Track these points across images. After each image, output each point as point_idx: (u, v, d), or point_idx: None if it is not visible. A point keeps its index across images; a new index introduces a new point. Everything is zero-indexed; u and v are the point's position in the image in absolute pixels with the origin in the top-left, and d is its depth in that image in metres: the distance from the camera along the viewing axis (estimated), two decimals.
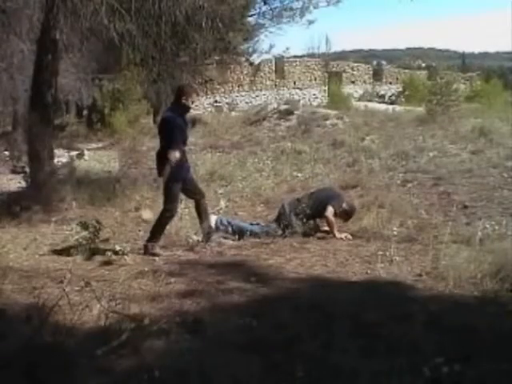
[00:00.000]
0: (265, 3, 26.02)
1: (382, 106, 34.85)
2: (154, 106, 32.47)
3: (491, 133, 19.78)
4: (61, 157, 15.40)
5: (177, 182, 9.25)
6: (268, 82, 45.26)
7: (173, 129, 9.18)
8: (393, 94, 47.12)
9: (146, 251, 9.01)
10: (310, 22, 30.55)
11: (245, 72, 43.73)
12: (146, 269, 7.83)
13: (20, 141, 17.85)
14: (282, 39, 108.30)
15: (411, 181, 13.94)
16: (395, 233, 9.10)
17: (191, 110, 9.72)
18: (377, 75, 50.84)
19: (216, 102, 42.22)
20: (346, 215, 10.39)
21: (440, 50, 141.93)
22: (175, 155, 8.94)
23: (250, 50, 35.10)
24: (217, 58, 29.81)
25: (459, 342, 5.01)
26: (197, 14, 12.34)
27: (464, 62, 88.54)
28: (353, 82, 48.71)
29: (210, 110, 41.01)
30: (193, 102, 9.53)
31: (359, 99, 43.10)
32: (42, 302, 5.44)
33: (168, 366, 4.62)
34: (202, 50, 15.85)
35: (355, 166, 16.15)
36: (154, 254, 8.87)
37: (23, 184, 12.69)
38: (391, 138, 20.48)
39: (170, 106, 9.92)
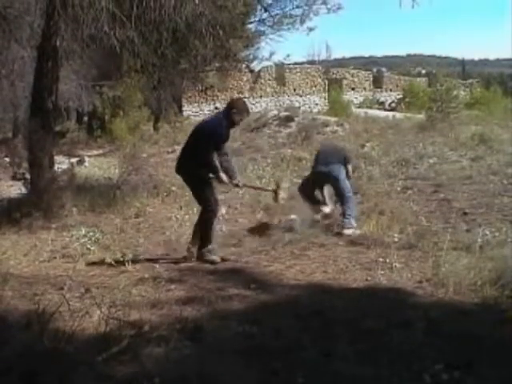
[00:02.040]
0: (265, 10, 26.07)
1: (382, 113, 34.89)
2: (155, 112, 32.51)
3: (491, 140, 19.81)
4: (61, 163, 15.38)
5: (208, 183, 9.08)
6: (268, 89, 45.28)
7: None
8: (393, 101, 47.21)
9: (201, 258, 8.87)
10: (311, 29, 30.61)
11: (245, 79, 43.77)
12: (146, 275, 7.84)
13: (20, 147, 17.84)
14: (283, 46, 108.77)
15: (411, 188, 13.94)
16: (395, 240, 9.12)
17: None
18: (377, 82, 50.85)
19: (216, 108, 42.22)
20: None
21: (440, 57, 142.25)
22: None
23: (251, 56, 35.21)
24: (217, 64, 29.87)
25: (459, 348, 5.00)
26: (197, 21, 12.36)
27: (464, 69, 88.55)
28: (353, 89, 48.72)
29: None
30: (241, 120, 9.50)
31: (359, 106, 43.14)
32: (43, 308, 5.43)
33: (168, 372, 4.62)
34: (202, 57, 15.94)
35: (355, 173, 16.14)
36: (212, 262, 8.77)
37: (23, 190, 12.70)
38: (391, 145, 20.50)
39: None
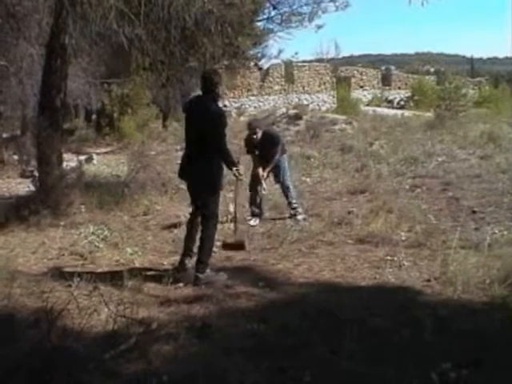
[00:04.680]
0: (274, 8, 25.93)
1: (391, 111, 34.90)
2: (163, 110, 32.53)
3: (500, 138, 19.79)
4: (69, 161, 15.36)
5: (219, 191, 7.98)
6: (277, 87, 45.25)
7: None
8: (401, 99, 47.09)
9: (200, 282, 7.44)
10: (319, 27, 30.37)
11: (254, 77, 43.74)
12: (155, 273, 7.84)
13: (29, 145, 17.85)
14: (291, 44, 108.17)
15: (420, 186, 13.92)
16: (404, 238, 9.11)
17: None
18: (385, 80, 50.77)
19: (225, 106, 42.17)
20: None
21: (449, 55, 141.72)
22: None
23: (259, 54, 35.01)
24: (226, 62, 29.76)
25: (467, 347, 5.00)
26: (206, 18, 12.34)
27: (473, 67, 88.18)
28: (361, 87, 48.68)
29: None
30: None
31: (368, 104, 43.10)
32: (51, 305, 5.44)
33: (176, 370, 4.63)
34: (211, 55, 15.86)
35: (364, 171, 16.13)
36: (211, 282, 7.43)
37: (32, 188, 12.71)
38: (400, 143, 20.47)
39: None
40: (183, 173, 8.03)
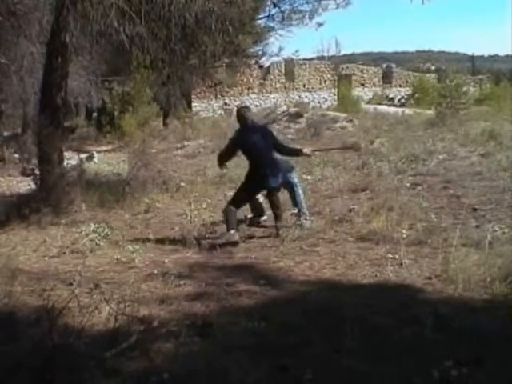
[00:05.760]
0: (274, 6, 26.00)
1: (392, 109, 34.85)
2: (164, 108, 32.52)
3: (501, 136, 19.74)
4: (70, 159, 15.40)
5: None
6: (277, 85, 45.24)
7: None
8: (402, 97, 47.09)
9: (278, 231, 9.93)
10: (320, 25, 30.56)
11: (254, 75, 43.74)
12: (155, 271, 7.84)
13: (30, 143, 17.91)
14: (292, 42, 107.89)
15: (420, 184, 13.90)
16: (404, 236, 9.07)
17: None
18: (386, 78, 50.72)
19: (225, 104, 42.22)
20: None
21: (450, 53, 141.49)
22: None
23: (260, 52, 35.17)
24: (226, 60, 29.88)
25: (469, 345, 4.99)
26: (206, 16, 12.35)
27: (474, 65, 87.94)
28: (362, 85, 48.63)
29: (219, 112, 41.08)
30: None
31: (369, 102, 43.09)
32: (52, 304, 5.43)
33: (177, 368, 4.63)
34: (211, 53, 15.93)
35: (364, 169, 16.11)
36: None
37: (33, 186, 12.72)
38: (401, 141, 20.45)
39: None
40: None
